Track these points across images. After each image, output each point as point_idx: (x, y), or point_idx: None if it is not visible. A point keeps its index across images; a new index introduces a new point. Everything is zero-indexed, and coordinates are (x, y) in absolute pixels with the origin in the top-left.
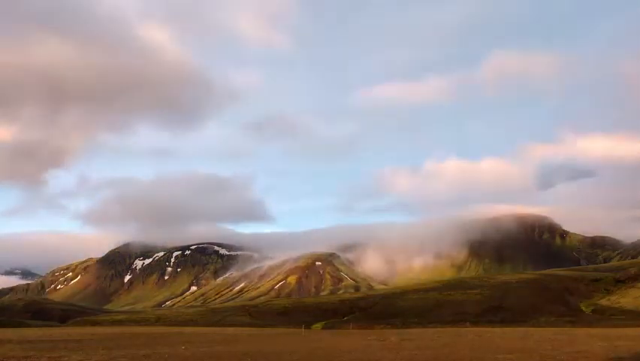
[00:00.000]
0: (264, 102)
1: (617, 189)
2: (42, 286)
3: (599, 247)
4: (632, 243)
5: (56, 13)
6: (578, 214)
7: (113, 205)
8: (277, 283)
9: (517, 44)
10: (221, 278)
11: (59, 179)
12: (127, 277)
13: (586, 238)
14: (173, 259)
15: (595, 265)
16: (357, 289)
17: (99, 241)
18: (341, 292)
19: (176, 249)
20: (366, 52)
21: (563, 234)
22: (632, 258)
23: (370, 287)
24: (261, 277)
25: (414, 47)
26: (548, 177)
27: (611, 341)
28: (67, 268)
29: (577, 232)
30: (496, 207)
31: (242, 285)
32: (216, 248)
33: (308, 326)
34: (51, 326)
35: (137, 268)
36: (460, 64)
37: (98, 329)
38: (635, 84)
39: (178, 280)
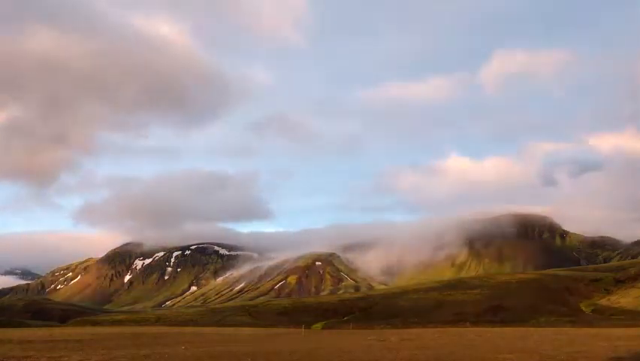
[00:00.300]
0: (269, 100)
1: (621, 188)
2: (42, 286)
3: (599, 247)
4: (632, 243)
5: (61, 7)
6: (578, 214)
7: (114, 205)
8: (277, 283)
9: (520, 43)
10: (221, 278)
11: (60, 178)
12: (127, 277)
13: (586, 238)
14: (173, 259)
15: (595, 265)
16: (357, 289)
17: (99, 241)
18: (341, 292)
19: (176, 249)
20: (370, 51)
21: (563, 234)
22: (632, 258)
23: (370, 287)
24: (261, 277)
25: (417, 47)
26: (551, 176)
27: (611, 341)
28: (67, 268)
29: (577, 232)
30: (497, 206)
31: (242, 285)
32: (216, 248)
33: (308, 326)
34: (51, 326)
35: (137, 268)
36: (463, 63)
37: (98, 329)
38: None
39: (178, 280)
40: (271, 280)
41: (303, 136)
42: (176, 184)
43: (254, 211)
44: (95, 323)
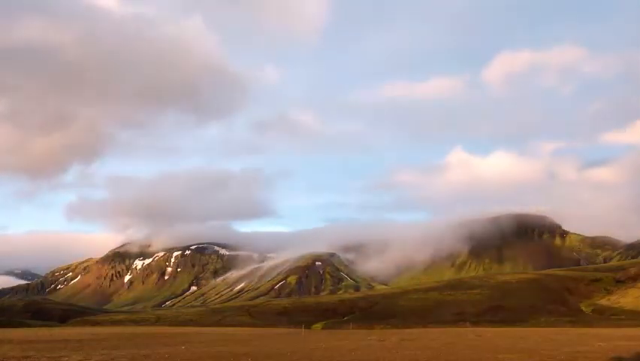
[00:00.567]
0: (272, 99)
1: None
2: (42, 286)
3: (599, 247)
4: (632, 243)
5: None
6: (578, 214)
7: (114, 204)
8: (277, 283)
9: (525, 41)
10: (221, 278)
11: (60, 178)
12: (127, 277)
13: (586, 238)
14: (173, 259)
15: (595, 265)
16: (357, 289)
17: (99, 241)
18: (341, 292)
19: (176, 249)
20: (374, 50)
21: (563, 234)
22: (632, 258)
23: (370, 287)
24: (261, 277)
25: (421, 46)
26: (554, 175)
27: (611, 341)
28: (67, 268)
29: (577, 232)
30: (497, 206)
31: (242, 285)
32: (216, 248)
33: (308, 326)
34: (51, 326)
35: (137, 268)
36: (466, 62)
37: (98, 329)
38: None
39: (178, 280)
40: (271, 280)
41: (305, 135)
42: (176, 183)
43: (254, 211)
44: (95, 323)
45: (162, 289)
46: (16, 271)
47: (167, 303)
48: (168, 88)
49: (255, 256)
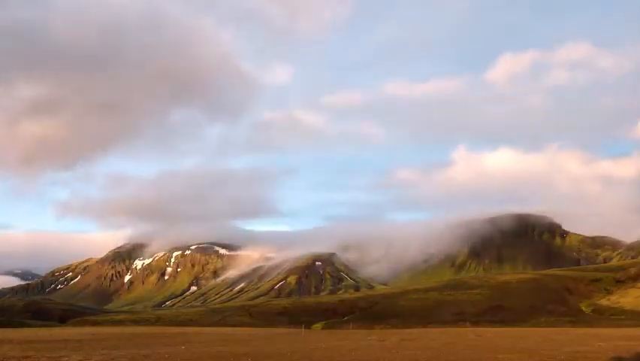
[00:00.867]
0: (275, 97)
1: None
2: (42, 286)
3: (599, 247)
4: (632, 243)
5: None
6: (578, 214)
7: (115, 204)
8: (277, 283)
9: (531, 40)
10: (221, 278)
11: (60, 178)
12: (127, 277)
13: (586, 238)
14: (173, 259)
15: (595, 265)
16: (357, 289)
17: (99, 241)
18: (341, 292)
19: (176, 249)
20: (379, 50)
21: (563, 234)
22: (632, 258)
23: (370, 287)
24: (261, 277)
25: (425, 45)
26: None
27: (611, 341)
28: (67, 268)
29: (577, 232)
30: (496, 206)
31: (242, 285)
32: (216, 248)
33: (308, 326)
34: (51, 326)
35: (137, 268)
36: (470, 63)
37: (98, 329)
38: None
39: (178, 280)
40: (271, 280)
41: (306, 134)
42: (176, 183)
43: (255, 210)
44: (95, 323)
45: (162, 289)
46: (16, 271)
47: (167, 303)
48: (173, 85)
49: (255, 255)
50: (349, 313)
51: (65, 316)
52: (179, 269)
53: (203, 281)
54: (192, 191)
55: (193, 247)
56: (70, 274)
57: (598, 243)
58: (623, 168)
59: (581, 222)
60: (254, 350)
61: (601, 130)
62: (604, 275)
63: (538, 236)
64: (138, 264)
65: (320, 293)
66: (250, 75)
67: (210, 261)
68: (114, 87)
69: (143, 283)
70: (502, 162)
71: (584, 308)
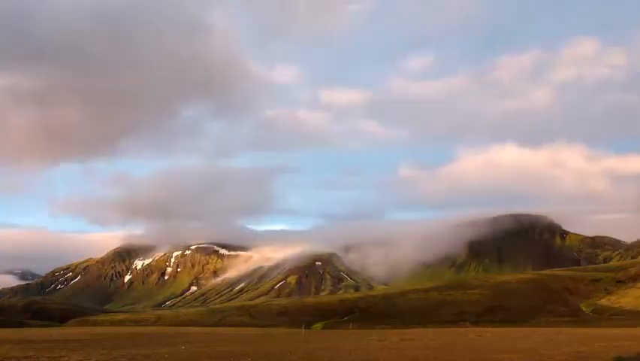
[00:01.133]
0: (278, 96)
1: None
2: (42, 286)
3: (599, 247)
4: (632, 243)
5: None
6: (578, 214)
7: (115, 204)
8: (277, 283)
9: (535, 38)
10: (221, 278)
11: (60, 178)
12: (127, 277)
13: (586, 238)
14: (173, 259)
15: (595, 265)
16: (357, 289)
17: (99, 241)
18: (341, 292)
19: (176, 249)
20: (381, 48)
21: (563, 234)
22: (632, 258)
23: (370, 287)
24: (261, 277)
25: (434, 45)
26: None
27: (611, 341)
28: (67, 268)
29: (577, 232)
30: (497, 206)
31: (242, 285)
32: (216, 248)
33: (308, 326)
34: (51, 326)
35: (137, 268)
36: (474, 62)
37: (98, 329)
38: None
39: (178, 280)
40: (271, 280)
41: (306, 133)
42: (176, 183)
43: (255, 210)
44: (95, 323)
45: (162, 289)
46: (16, 271)
47: (167, 303)
48: (176, 83)
49: (255, 256)
50: (349, 314)
51: (65, 316)
52: (179, 269)
53: (203, 281)
54: (192, 191)
55: (193, 247)
56: (70, 274)
57: (598, 243)
58: (629, 165)
59: (581, 222)
60: (254, 350)
61: (606, 127)
62: (604, 275)
63: (538, 236)
64: (138, 264)
65: (320, 293)
66: (253, 73)
67: (210, 261)
68: (119, 84)
69: (143, 283)
70: (504, 161)
71: (584, 308)
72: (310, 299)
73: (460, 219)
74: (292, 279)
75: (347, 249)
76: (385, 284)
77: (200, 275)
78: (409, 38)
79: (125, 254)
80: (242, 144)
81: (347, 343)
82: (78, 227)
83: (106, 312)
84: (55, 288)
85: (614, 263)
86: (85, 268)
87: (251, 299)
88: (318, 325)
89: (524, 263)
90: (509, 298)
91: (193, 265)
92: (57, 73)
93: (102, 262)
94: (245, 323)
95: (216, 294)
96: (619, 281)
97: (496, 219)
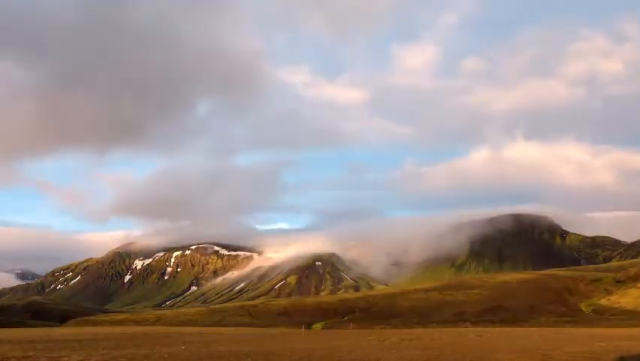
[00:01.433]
0: (280, 95)
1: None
2: (42, 286)
3: (599, 247)
4: (632, 243)
5: None
6: (578, 214)
7: (115, 204)
8: (277, 283)
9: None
10: (221, 278)
11: (60, 177)
12: (127, 277)
13: (586, 238)
14: (173, 259)
15: (595, 265)
16: (357, 289)
17: (99, 241)
18: (341, 292)
19: (176, 249)
20: (382, 48)
21: (563, 234)
22: (632, 258)
23: (370, 287)
24: (261, 277)
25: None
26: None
27: (611, 341)
28: (67, 268)
29: (577, 232)
30: (496, 207)
31: (242, 285)
32: (216, 248)
33: (308, 326)
34: (51, 326)
35: (137, 268)
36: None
37: (98, 329)
38: None
39: (178, 280)
40: (271, 280)
41: (307, 132)
42: (176, 183)
43: (255, 210)
44: (95, 323)
45: (162, 289)
46: (16, 271)
47: (167, 303)
48: (182, 83)
49: (255, 256)
50: (349, 313)
51: (65, 316)
52: (179, 269)
53: (203, 281)
54: (193, 190)
55: (193, 247)
56: (70, 274)
57: (598, 243)
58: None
59: (581, 222)
60: (254, 350)
61: (613, 121)
62: (604, 275)
63: (538, 236)
64: (138, 264)
65: (320, 293)
66: (258, 71)
67: (210, 261)
68: (123, 79)
69: (143, 283)
70: (505, 160)
71: (584, 308)
72: (310, 299)
73: (460, 219)
74: (292, 279)
75: (347, 249)
76: (385, 284)
77: (200, 275)
78: (410, 34)
79: (125, 254)
80: (243, 142)
81: (347, 343)
82: (78, 227)
83: (106, 312)
84: (55, 288)
85: (614, 263)
86: (85, 268)
87: (251, 299)
88: (318, 325)
89: (524, 263)
90: (509, 298)
91: (193, 265)
92: (60, 64)
93: (102, 262)
94: (245, 323)
95: (216, 294)
96: (619, 281)
97: (496, 219)
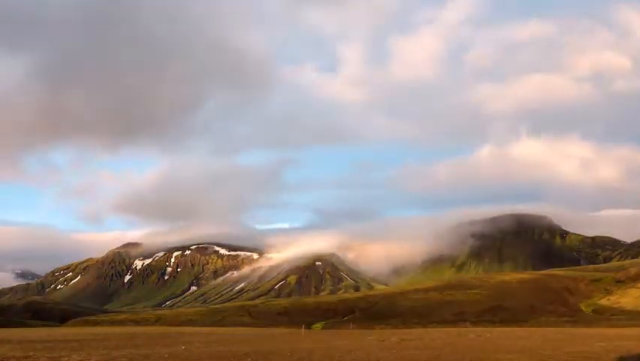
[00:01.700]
0: (282, 94)
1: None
2: (42, 286)
3: (599, 247)
4: (632, 243)
5: None
6: (578, 214)
7: (116, 203)
8: (277, 283)
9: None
10: (221, 278)
11: (60, 176)
12: (127, 277)
13: (586, 238)
14: (173, 259)
15: (595, 265)
16: (357, 289)
17: (99, 241)
18: (341, 292)
19: (176, 249)
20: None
21: (563, 234)
22: (632, 258)
23: (370, 287)
24: (261, 277)
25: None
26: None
27: (611, 341)
28: (67, 268)
29: (577, 232)
30: (497, 207)
31: (242, 285)
32: (216, 248)
33: (308, 326)
34: (51, 326)
35: (137, 268)
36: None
37: (98, 329)
38: None
39: (178, 280)
40: (271, 280)
41: (307, 131)
42: (176, 183)
43: (255, 210)
44: (95, 323)
45: (162, 289)
46: (16, 271)
47: (167, 303)
48: (184, 83)
49: (255, 255)
50: (349, 313)
51: (65, 316)
52: (179, 269)
53: (203, 281)
54: (193, 190)
55: (193, 247)
56: (70, 274)
57: (598, 243)
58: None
59: (581, 222)
60: (254, 350)
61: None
62: (604, 275)
63: (538, 236)
64: (138, 264)
65: (320, 293)
66: (260, 70)
67: (210, 261)
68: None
69: (143, 283)
70: (509, 158)
71: (584, 308)
72: (310, 299)
73: (460, 219)
74: (292, 279)
75: (347, 249)
76: (385, 284)
77: (200, 275)
78: (412, 30)
79: (125, 254)
80: (243, 141)
81: (347, 343)
82: (78, 227)
83: (106, 312)
84: (55, 288)
85: (614, 263)
86: (85, 268)
87: (251, 299)
88: (318, 325)
89: (524, 263)
90: (509, 298)
91: (193, 265)
92: (62, 60)
93: (102, 262)
94: (245, 323)
95: (216, 294)
96: (619, 281)
97: (496, 219)
